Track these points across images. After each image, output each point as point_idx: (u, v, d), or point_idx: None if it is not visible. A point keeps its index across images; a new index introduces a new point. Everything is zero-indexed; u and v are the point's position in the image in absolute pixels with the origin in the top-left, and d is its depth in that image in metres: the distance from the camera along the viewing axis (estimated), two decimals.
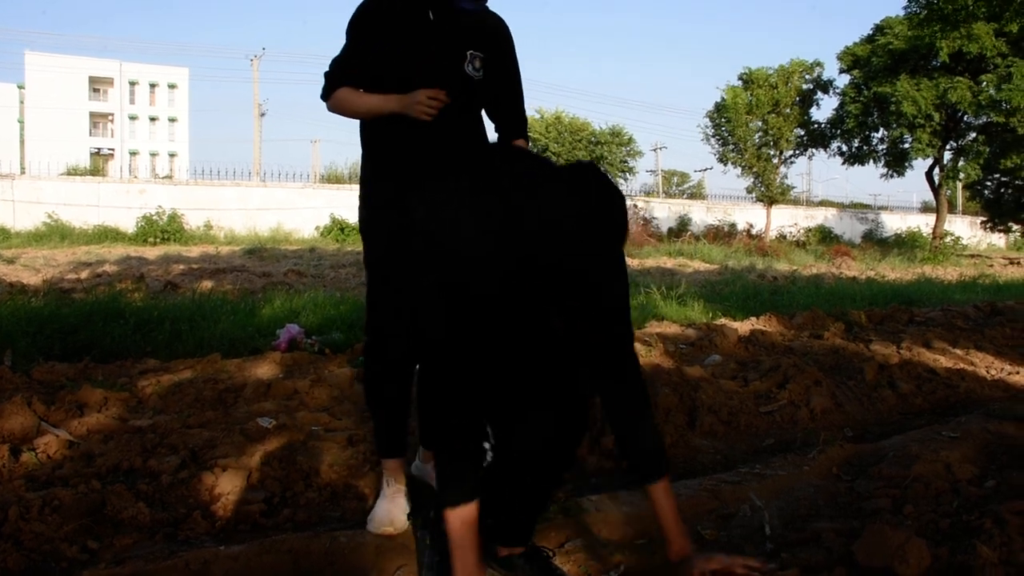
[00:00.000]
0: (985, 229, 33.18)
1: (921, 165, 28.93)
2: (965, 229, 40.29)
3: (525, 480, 1.99)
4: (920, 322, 6.94)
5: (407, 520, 2.37)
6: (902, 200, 53.72)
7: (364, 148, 2.49)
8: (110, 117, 64.80)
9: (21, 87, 62.47)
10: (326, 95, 2.45)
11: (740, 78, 30.91)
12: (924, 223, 37.78)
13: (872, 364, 4.67)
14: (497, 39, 2.49)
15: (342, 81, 2.42)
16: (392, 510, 2.38)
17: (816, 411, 3.90)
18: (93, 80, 63.78)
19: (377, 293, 2.43)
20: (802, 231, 31.19)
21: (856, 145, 30.00)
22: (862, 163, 30.12)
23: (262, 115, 39.30)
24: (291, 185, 29.04)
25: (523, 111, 2.59)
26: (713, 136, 31.57)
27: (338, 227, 26.61)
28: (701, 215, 35.57)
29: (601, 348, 1.88)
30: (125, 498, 2.52)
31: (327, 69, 2.46)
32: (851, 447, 3.14)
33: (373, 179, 2.45)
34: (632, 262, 17.51)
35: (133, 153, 64.05)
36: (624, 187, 44.47)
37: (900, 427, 3.70)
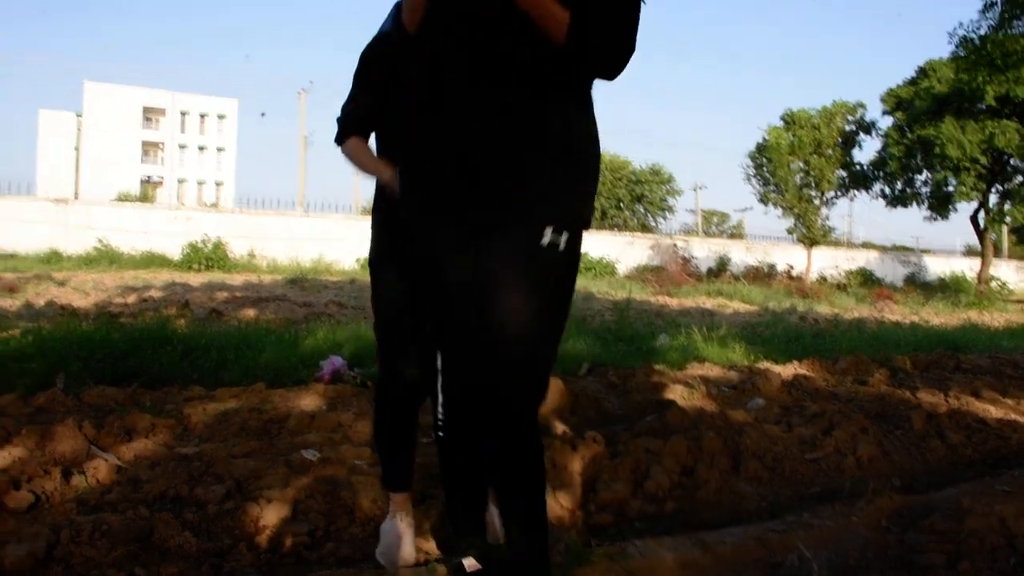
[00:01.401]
0: None
1: (965, 208, 28.49)
2: (1011, 274, 39.44)
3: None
4: (967, 369, 6.79)
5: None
6: (945, 243, 52.87)
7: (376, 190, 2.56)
8: (161, 146, 66.51)
9: (79, 115, 64.38)
10: (338, 141, 2.52)
11: (782, 119, 30.82)
12: (968, 267, 37.06)
13: (919, 412, 4.58)
14: None
15: (353, 129, 2.49)
16: (407, 544, 2.47)
17: (863, 459, 3.83)
18: (147, 110, 65.65)
19: (387, 329, 2.51)
20: (843, 273, 30.82)
21: (899, 187, 29.68)
22: (905, 205, 29.76)
23: (308, 146, 39.97)
24: (333, 216, 29.43)
25: None
26: (754, 176, 31.46)
27: None
28: (741, 255, 35.30)
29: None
30: (172, 526, 2.55)
31: (339, 114, 2.53)
32: (900, 498, 3.07)
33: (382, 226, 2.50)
34: (671, 301, 17.42)
35: (181, 181, 65.55)
36: (664, 226, 44.42)
37: (950, 478, 3.62)
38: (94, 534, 2.44)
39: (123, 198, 32.14)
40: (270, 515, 2.69)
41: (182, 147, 67.32)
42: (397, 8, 2.42)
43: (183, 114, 67.52)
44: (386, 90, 2.41)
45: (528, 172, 1.84)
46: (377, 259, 2.51)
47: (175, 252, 24.58)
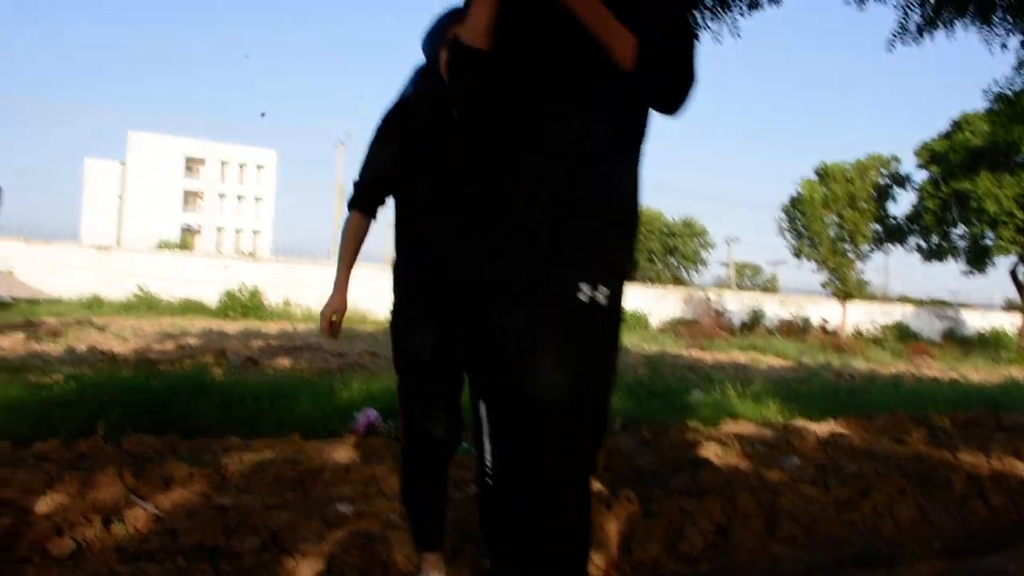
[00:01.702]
0: None
1: (1004, 262, 28.11)
2: None
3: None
4: (1009, 428, 6.65)
5: None
6: (984, 297, 52.06)
7: (396, 248, 2.61)
8: (201, 194, 67.90)
9: (123, 164, 66.12)
10: (348, 207, 2.63)
11: (816, 172, 30.81)
12: (1009, 322, 36.35)
13: (960, 473, 4.50)
14: None
15: (360, 203, 2.59)
16: None
17: (902, 522, 3.76)
18: (188, 159, 67.22)
19: (412, 390, 2.52)
20: (879, 328, 30.44)
21: (935, 241, 29.43)
22: (941, 259, 29.47)
23: (343, 197, 40.60)
24: (367, 266, 29.70)
25: None
26: (788, 230, 31.36)
27: None
28: (774, 309, 35.00)
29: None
30: None
31: (356, 178, 2.60)
32: (941, 563, 3.02)
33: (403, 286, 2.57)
34: (704, 355, 17.31)
35: (220, 229, 66.73)
36: (696, 279, 44.27)
37: (993, 543, 3.54)
38: None
39: (163, 246, 32.82)
40: (305, 569, 2.71)
41: (221, 196, 68.71)
42: (418, 74, 2.51)
43: (223, 164, 69.04)
44: (405, 153, 2.47)
45: (578, 224, 1.73)
46: (400, 322, 2.54)
47: (212, 299, 24.99)
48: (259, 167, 70.49)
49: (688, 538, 3.22)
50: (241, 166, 70.00)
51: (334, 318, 2.65)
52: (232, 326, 18.89)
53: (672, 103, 1.75)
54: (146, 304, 23.61)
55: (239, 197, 69.61)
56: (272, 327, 19.60)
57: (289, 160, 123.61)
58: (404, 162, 2.49)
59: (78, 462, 3.88)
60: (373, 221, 2.66)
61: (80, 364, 8.28)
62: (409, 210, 2.54)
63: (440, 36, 2.36)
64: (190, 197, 67.81)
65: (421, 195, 2.46)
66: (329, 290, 2.71)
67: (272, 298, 26.06)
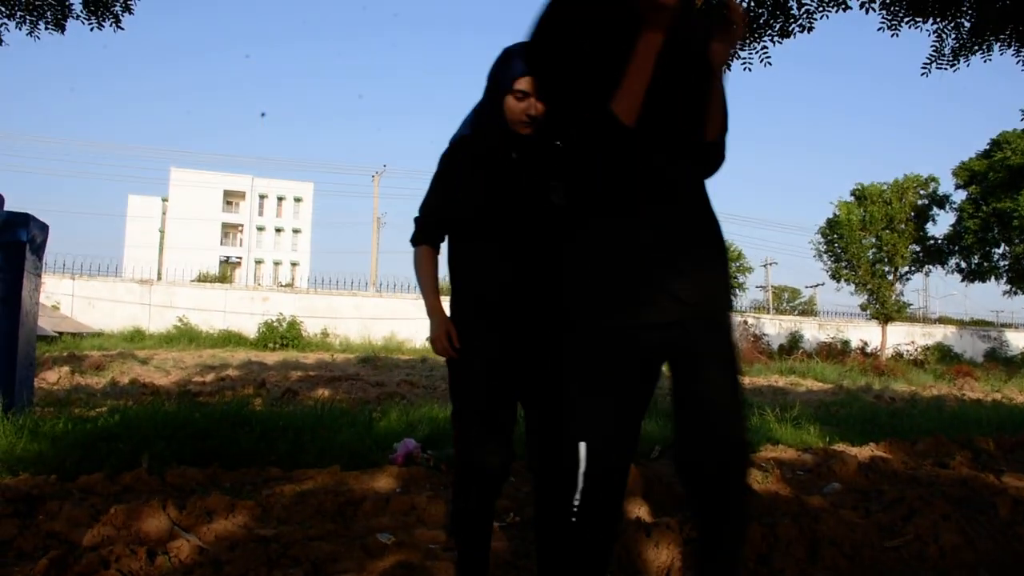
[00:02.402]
0: None
1: None
2: None
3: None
4: None
5: None
6: None
7: (453, 279, 2.65)
8: (240, 228, 69.04)
9: (165, 199, 67.53)
10: (414, 243, 2.65)
11: (853, 193, 30.54)
12: None
13: (1005, 498, 4.41)
14: None
15: (427, 237, 2.63)
16: None
17: (945, 548, 3.70)
18: (227, 193, 68.45)
19: (470, 419, 2.51)
20: (920, 349, 29.88)
21: (976, 261, 28.96)
22: (982, 280, 28.97)
23: (380, 227, 40.98)
24: (405, 295, 29.95)
25: None
26: (825, 252, 31.05)
27: None
28: (813, 332, 34.57)
29: None
30: None
31: (417, 213, 2.63)
32: None
33: (462, 315, 2.58)
34: (743, 380, 17.09)
35: (259, 262, 67.70)
36: (734, 303, 43.86)
37: None
38: None
39: (203, 278, 33.32)
40: None
41: (260, 229, 69.79)
42: (475, 114, 2.56)
43: (262, 197, 70.21)
44: (467, 191, 2.51)
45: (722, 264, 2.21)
46: (464, 349, 2.52)
47: (251, 331, 25.31)
48: (297, 199, 71.56)
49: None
50: (279, 199, 71.12)
51: (444, 337, 2.57)
52: (271, 357, 19.11)
53: (715, 170, 2.22)
54: (187, 336, 23.98)
55: (277, 229, 70.66)
56: (311, 357, 19.79)
57: (326, 192, 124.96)
58: (464, 197, 2.52)
59: (123, 495, 3.97)
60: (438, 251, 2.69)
61: (123, 397, 8.45)
62: (469, 241, 2.57)
63: (507, 75, 2.41)
64: (229, 230, 68.99)
65: (480, 228, 2.51)
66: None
67: (310, 329, 26.34)
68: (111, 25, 6.44)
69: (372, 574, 2.91)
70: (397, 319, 28.31)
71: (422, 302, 2.75)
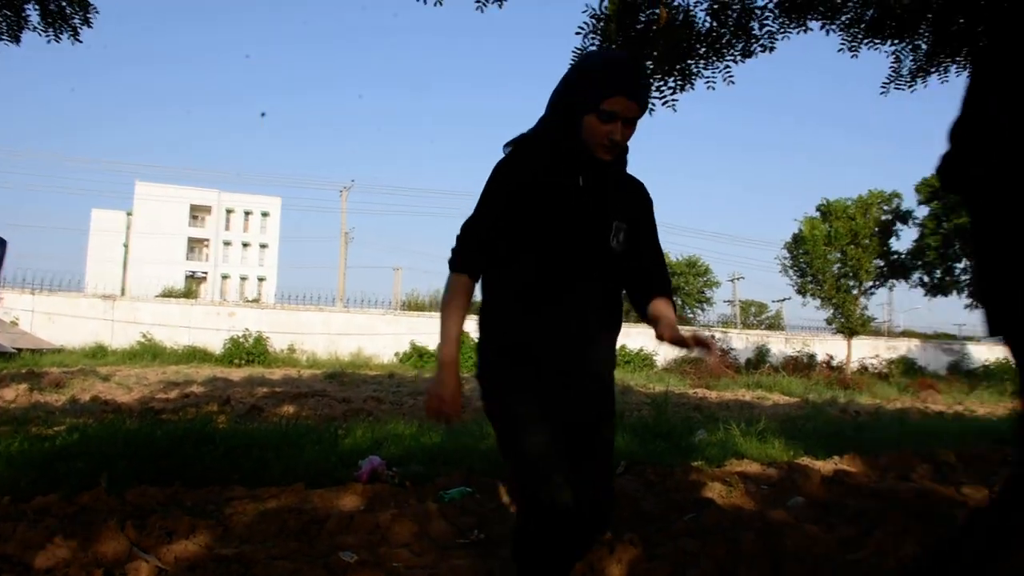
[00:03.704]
0: None
1: None
2: None
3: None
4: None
5: None
6: None
7: (484, 331, 2.35)
8: (206, 242, 68.39)
9: (129, 213, 66.70)
10: (451, 267, 2.26)
11: (818, 209, 30.94)
12: None
13: (963, 509, 4.48)
14: (642, 205, 2.38)
15: (468, 262, 2.24)
16: None
17: (905, 560, 3.74)
18: (194, 208, 67.79)
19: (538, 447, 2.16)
20: (884, 363, 30.30)
21: (938, 276, 29.47)
22: (945, 294, 29.50)
23: (348, 242, 40.81)
24: (373, 311, 29.80)
25: (666, 275, 2.42)
26: (791, 267, 31.41)
27: (417, 353, 27.08)
28: (779, 346, 34.93)
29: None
30: None
31: (459, 232, 2.26)
32: None
33: (499, 363, 2.28)
34: (710, 394, 17.25)
35: (225, 277, 67.07)
36: (701, 317, 44.23)
37: None
38: None
39: (168, 294, 32.89)
40: None
41: (226, 244, 69.17)
42: (540, 128, 2.26)
43: (228, 212, 69.62)
44: (520, 215, 2.18)
45: None
46: (507, 384, 2.24)
47: (217, 347, 25.03)
48: (264, 214, 71.05)
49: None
50: (247, 213, 70.59)
51: (448, 401, 2.22)
52: (237, 373, 18.91)
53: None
54: (150, 353, 23.66)
55: (244, 244, 70.07)
56: (277, 373, 19.61)
57: (294, 207, 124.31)
58: (516, 221, 2.18)
59: (80, 516, 3.89)
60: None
61: (83, 415, 8.30)
62: (514, 276, 2.22)
63: (592, 93, 2.10)
64: (195, 245, 68.29)
65: (531, 262, 2.18)
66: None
67: (277, 344, 26.12)
68: (69, 37, 6.38)
69: None
70: (364, 335, 28.15)
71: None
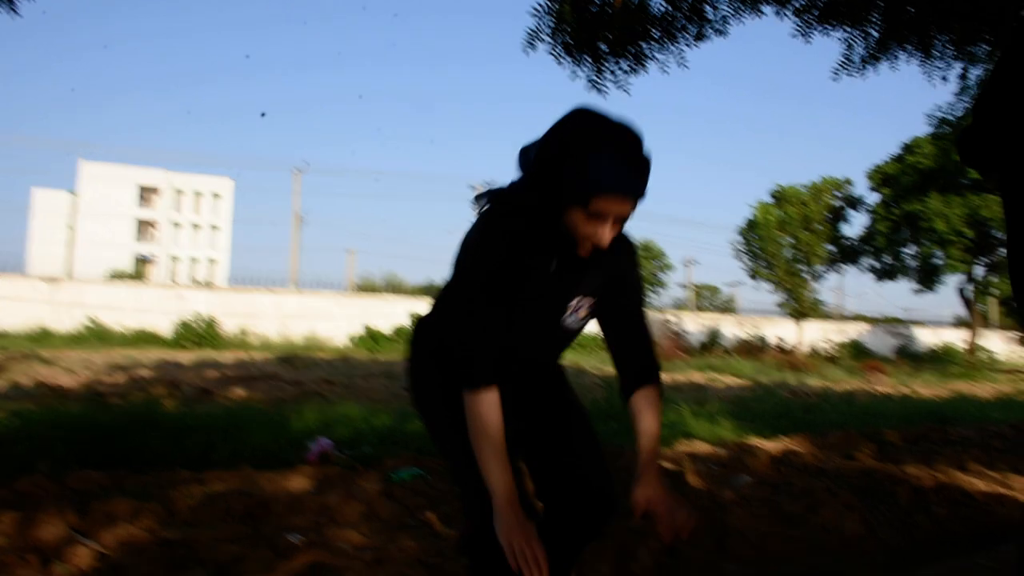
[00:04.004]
0: (1021, 344, 32.65)
1: (953, 280, 28.90)
2: (1000, 344, 39.61)
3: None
4: (956, 442, 6.81)
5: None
6: (935, 314, 53.28)
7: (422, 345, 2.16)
8: (155, 224, 67.08)
9: (73, 193, 65.05)
10: (472, 385, 1.87)
11: (771, 195, 31.37)
12: (958, 338, 37.29)
13: (906, 487, 4.59)
14: (621, 267, 2.08)
15: (490, 373, 1.87)
16: None
17: (848, 536, 3.82)
18: (142, 188, 66.41)
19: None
20: (834, 346, 30.92)
21: (887, 261, 30.08)
22: (893, 279, 30.13)
23: (301, 225, 40.29)
24: (326, 293, 29.52)
25: (650, 350, 2.14)
26: (744, 252, 31.84)
27: (371, 336, 26.93)
28: (732, 329, 35.43)
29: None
30: None
31: (462, 335, 1.91)
32: None
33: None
34: (662, 376, 17.37)
35: (175, 259, 65.91)
36: (655, 301, 44.66)
37: (935, 555, 3.62)
38: None
39: (116, 276, 32.23)
40: None
41: (176, 225, 67.91)
42: (522, 199, 1.91)
43: (178, 192, 68.31)
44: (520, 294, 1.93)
45: None
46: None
47: (167, 330, 24.61)
48: (216, 195, 69.88)
49: (639, 559, 3.24)
50: (197, 195, 69.34)
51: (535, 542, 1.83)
52: (187, 356, 18.60)
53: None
54: (97, 336, 23.16)
55: (195, 226, 68.87)
56: (228, 357, 19.33)
57: (246, 188, 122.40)
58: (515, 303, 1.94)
59: (19, 501, 3.78)
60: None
61: (25, 399, 8.09)
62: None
63: (585, 183, 1.72)
64: (144, 227, 66.90)
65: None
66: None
67: (229, 327, 25.76)
68: (7, 10, 6.15)
69: (280, 574, 2.84)
70: (318, 317, 27.88)
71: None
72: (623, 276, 2.07)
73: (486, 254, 1.87)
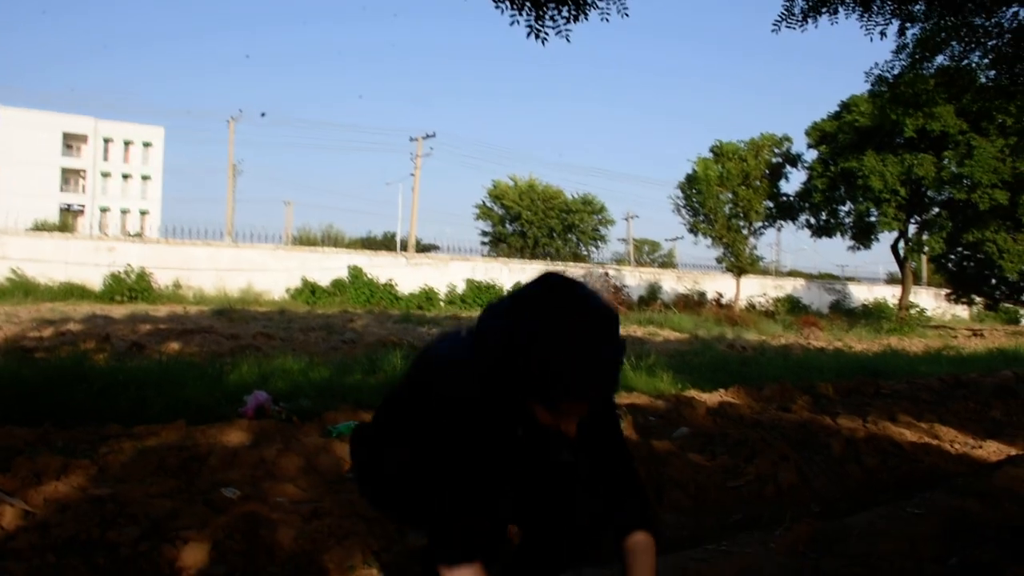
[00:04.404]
0: (949, 301, 33.82)
1: (887, 238, 29.64)
2: (930, 300, 41.05)
3: None
4: (886, 395, 7.02)
5: None
6: (869, 271, 54.64)
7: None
8: (82, 173, 64.72)
9: None
10: (450, 563, 1.71)
11: (711, 150, 31.57)
12: (890, 294, 38.48)
13: (839, 438, 4.70)
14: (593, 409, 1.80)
15: (472, 547, 1.73)
16: None
17: (783, 486, 3.91)
18: (67, 136, 63.85)
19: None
20: (771, 301, 31.60)
21: (823, 218, 30.64)
22: (829, 235, 30.71)
23: (237, 175, 39.36)
24: (263, 246, 28.99)
25: (641, 491, 1.95)
26: (684, 207, 32.09)
27: (309, 289, 26.59)
28: (671, 284, 35.92)
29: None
30: (81, 572, 2.46)
31: (437, 527, 1.76)
32: (817, 524, 3.14)
33: None
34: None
35: (104, 210, 63.82)
36: (595, 255, 44.92)
37: (866, 503, 3.72)
38: None
39: (40, 227, 31.07)
40: (187, 556, 2.61)
41: (105, 175, 65.63)
42: (474, 370, 1.73)
43: (107, 141, 65.90)
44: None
45: None
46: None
47: (97, 283, 23.92)
48: (146, 144, 67.62)
49: None
50: (127, 143, 67.01)
51: None
52: (118, 310, 18.11)
53: None
54: (22, 290, 22.36)
55: (124, 176, 66.66)
56: (162, 310, 18.89)
57: (178, 137, 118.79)
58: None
59: None
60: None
61: None
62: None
63: (553, 387, 1.57)
64: (70, 176, 64.50)
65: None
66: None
67: (162, 280, 25.13)
68: None
69: (214, 530, 2.78)
70: (255, 270, 27.36)
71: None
72: (595, 415, 1.86)
73: (445, 427, 1.74)
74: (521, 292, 1.66)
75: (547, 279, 1.65)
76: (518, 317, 1.60)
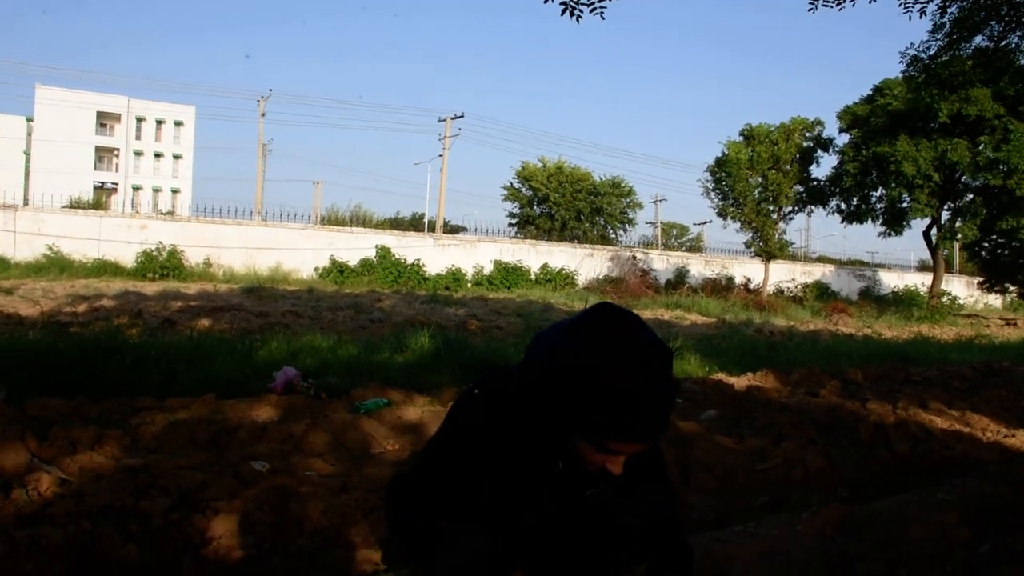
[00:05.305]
0: (982, 289, 33.31)
1: (919, 224, 29.21)
2: (962, 289, 40.44)
3: None
4: (916, 382, 6.94)
5: None
6: (899, 258, 54.00)
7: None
8: (115, 152, 65.48)
9: (30, 119, 63.07)
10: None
11: (741, 134, 31.22)
12: (921, 282, 37.95)
13: (868, 424, 4.66)
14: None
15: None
16: None
17: (811, 470, 3.88)
18: (101, 115, 64.57)
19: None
20: (799, 287, 31.25)
21: (855, 203, 30.26)
22: (860, 221, 30.34)
23: (266, 155, 39.59)
24: (292, 225, 29.14)
25: (681, 534, 1.83)
26: (713, 190, 31.79)
27: (337, 269, 26.73)
28: (699, 268, 35.67)
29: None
30: (114, 540, 2.51)
31: (399, 514, 1.69)
32: (845, 508, 3.12)
33: None
34: None
35: (136, 188, 64.51)
36: (623, 238, 44.73)
37: (895, 488, 3.68)
38: (31, 549, 2.38)
39: (75, 205, 31.45)
40: (217, 527, 2.65)
41: (138, 154, 66.31)
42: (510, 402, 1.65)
43: (139, 120, 66.52)
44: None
45: None
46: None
47: (129, 260, 24.21)
48: (177, 123, 68.18)
49: None
50: (159, 122, 67.59)
51: None
52: (150, 287, 18.35)
53: None
54: (57, 266, 22.71)
55: (156, 155, 67.31)
56: (193, 288, 19.11)
57: (209, 116, 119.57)
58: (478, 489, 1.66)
59: None
60: None
61: None
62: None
63: (600, 427, 1.46)
64: (104, 154, 65.24)
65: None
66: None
67: (192, 258, 25.38)
68: None
69: (244, 501, 2.82)
70: (284, 249, 27.54)
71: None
72: (646, 470, 1.74)
73: (454, 446, 1.66)
74: (575, 322, 1.56)
75: (603, 310, 1.55)
76: (572, 350, 1.51)
